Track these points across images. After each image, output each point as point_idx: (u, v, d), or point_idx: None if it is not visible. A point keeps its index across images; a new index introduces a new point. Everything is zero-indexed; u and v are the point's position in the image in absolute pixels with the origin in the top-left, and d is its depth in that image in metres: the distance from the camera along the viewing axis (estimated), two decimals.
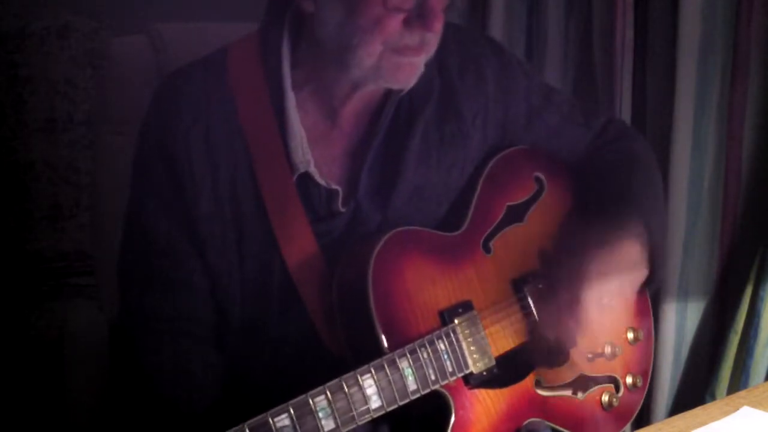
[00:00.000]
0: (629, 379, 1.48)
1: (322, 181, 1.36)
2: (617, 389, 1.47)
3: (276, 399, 1.16)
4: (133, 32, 1.78)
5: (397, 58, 1.30)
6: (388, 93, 1.39)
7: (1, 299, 2.41)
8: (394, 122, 1.40)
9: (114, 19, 2.50)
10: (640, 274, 1.41)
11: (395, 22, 1.27)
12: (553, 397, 1.40)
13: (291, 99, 1.35)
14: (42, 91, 2.53)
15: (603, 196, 1.48)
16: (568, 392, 1.42)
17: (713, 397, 1.78)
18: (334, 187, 1.37)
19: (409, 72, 1.32)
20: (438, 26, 1.29)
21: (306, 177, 1.36)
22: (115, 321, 1.60)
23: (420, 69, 1.34)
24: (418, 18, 1.28)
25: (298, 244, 1.35)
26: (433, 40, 1.32)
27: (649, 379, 1.53)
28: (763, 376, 1.75)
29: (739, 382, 1.77)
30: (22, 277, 2.52)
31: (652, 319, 1.55)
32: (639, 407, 1.52)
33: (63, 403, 1.70)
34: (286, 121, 1.35)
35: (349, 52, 1.29)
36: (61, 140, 2.57)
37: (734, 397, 1.32)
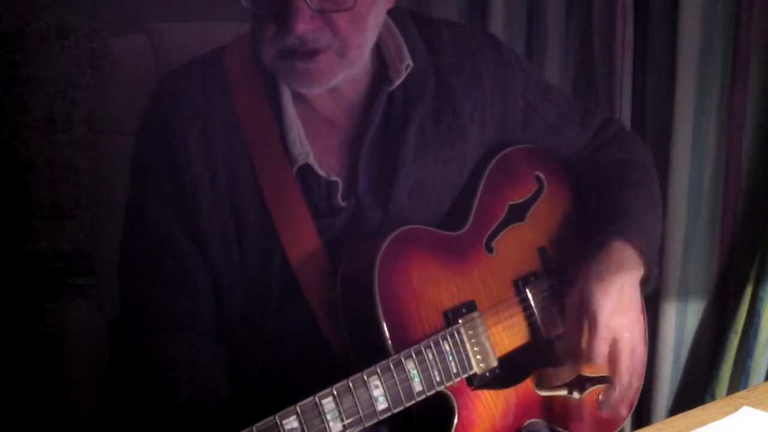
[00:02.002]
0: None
1: (321, 172, 1.35)
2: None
3: (277, 394, 1.16)
4: (133, 32, 1.78)
5: (289, 63, 1.28)
6: (377, 88, 1.39)
7: (1, 299, 2.41)
8: (388, 117, 1.40)
9: (114, 19, 2.50)
10: (637, 275, 1.41)
11: (269, 21, 1.26)
12: (553, 397, 1.40)
13: (286, 93, 1.35)
14: (42, 91, 2.54)
15: (599, 197, 1.48)
16: (566, 392, 1.42)
17: (713, 397, 1.78)
18: (334, 178, 1.36)
19: (310, 78, 1.29)
20: (301, 27, 1.23)
21: (305, 169, 1.35)
22: (115, 321, 1.60)
23: (329, 76, 1.29)
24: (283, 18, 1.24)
25: (301, 238, 1.34)
26: (328, 48, 1.26)
27: (643, 379, 1.53)
28: (763, 376, 1.75)
29: (739, 382, 1.77)
30: (22, 277, 2.52)
31: (646, 319, 1.55)
32: (634, 407, 1.52)
33: (63, 403, 1.69)
34: (283, 114, 1.35)
35: (259, 52, 1.29)
36: (61, 140, 2.57)
37: (734, 397, 1.32)
